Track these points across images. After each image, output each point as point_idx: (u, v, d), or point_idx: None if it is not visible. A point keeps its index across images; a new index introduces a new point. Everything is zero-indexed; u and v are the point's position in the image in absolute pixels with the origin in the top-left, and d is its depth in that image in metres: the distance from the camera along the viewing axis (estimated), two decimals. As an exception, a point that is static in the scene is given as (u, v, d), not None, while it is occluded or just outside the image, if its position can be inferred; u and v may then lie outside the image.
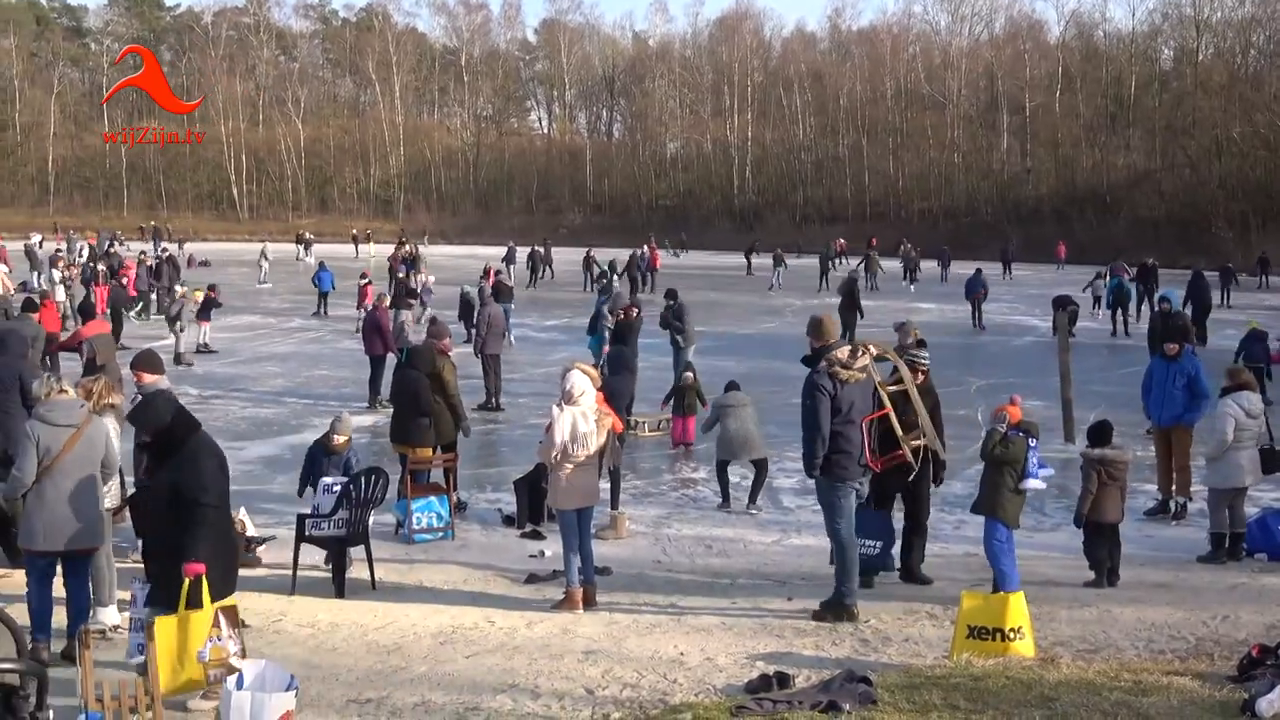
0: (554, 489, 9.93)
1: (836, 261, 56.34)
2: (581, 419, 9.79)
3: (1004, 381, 23.68)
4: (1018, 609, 8.47)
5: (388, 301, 23.41)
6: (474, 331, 22.20)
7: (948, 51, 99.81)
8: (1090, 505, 10.75)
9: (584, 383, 9.95)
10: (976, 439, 17.47)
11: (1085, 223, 78.38)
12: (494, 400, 20.25)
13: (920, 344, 11.40)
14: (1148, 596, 10.22)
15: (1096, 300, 38.21)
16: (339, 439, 11.25)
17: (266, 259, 50.81)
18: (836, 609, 9.47)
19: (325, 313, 35.81)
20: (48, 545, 8.40)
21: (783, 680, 7.80)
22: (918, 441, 10.24)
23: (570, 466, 9.78)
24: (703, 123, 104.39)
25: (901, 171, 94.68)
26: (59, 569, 8.56)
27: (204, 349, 26.89)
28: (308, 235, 74.28)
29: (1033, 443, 9.89)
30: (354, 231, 73.92)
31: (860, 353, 9.61)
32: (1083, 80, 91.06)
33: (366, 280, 31.41)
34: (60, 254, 42.72)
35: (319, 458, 11.54)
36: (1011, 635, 8.36)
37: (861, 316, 30.20)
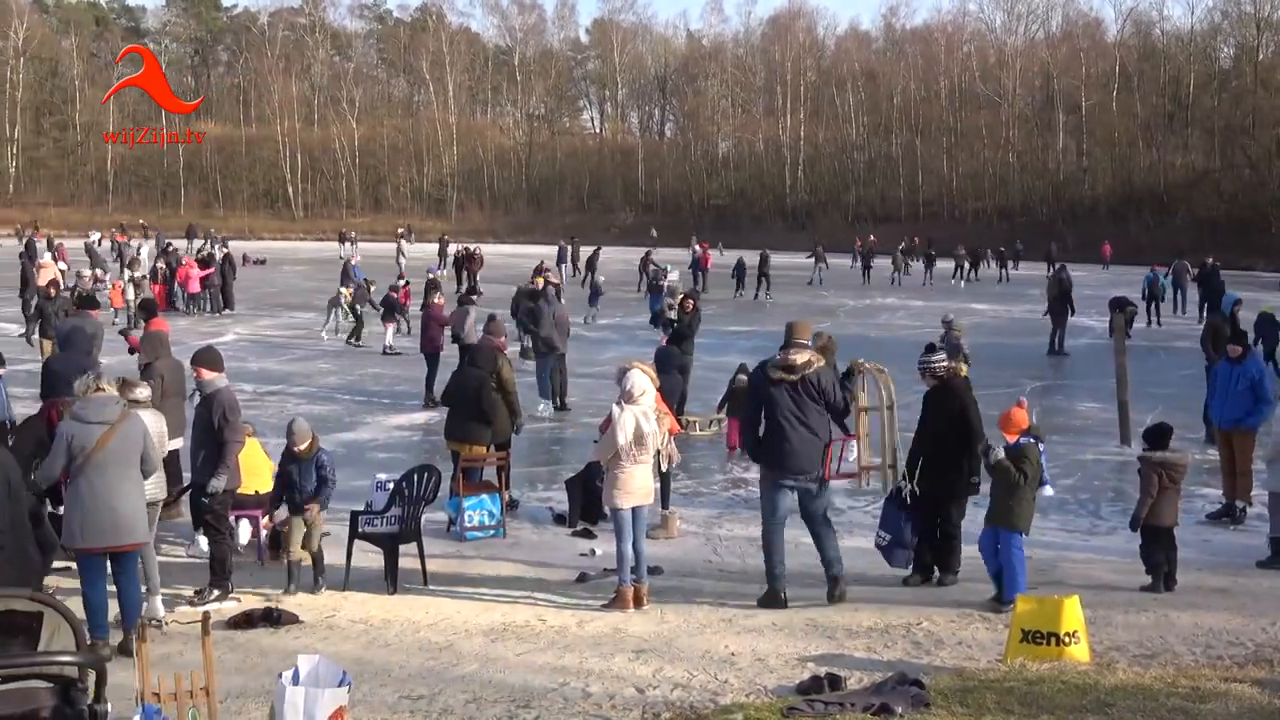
0: (609, 487, 9.94)
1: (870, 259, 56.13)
2: (644, 419, 9.80)
3: (1058, 383, 23.50)
4: (1073, 613, 8.38)
5: (443, 300, 23.54)
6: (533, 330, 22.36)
7: (1003, 50, 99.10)
8: (1148, 509, 10.61)
9: (645, 382, 9.96)
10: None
11: (1142, 223, 77.61)
12: (559, 399, 20.26)
13: (930, 349, 11.32)
14: (1206, 602, 10.08)
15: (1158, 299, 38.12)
16: (300, 446, 10.85)
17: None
18: (767, 598, 9.92)
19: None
20: (87, 542, 8.49)
21: (834, 682, 7.77)
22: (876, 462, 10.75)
23: (627, 465, 9.79)
24: (755, 122, 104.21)
25: (955, 171, 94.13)
26: (109, 566, 8.67)
27: (389, 351, 26.91)
28: (353, 234, 74.88)
29: (1042, 447, 9.81)
30: (400, 230, 74.43)
31: (799, 357, 9.94)
32: (1140, 79, 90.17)
33: (405, 283, 31.50)
34: (132, 253, 43.25)
35: (287, 466, 11.18)
36: (1067, 639, 8.28)
37: (1073, 313, 30.35)
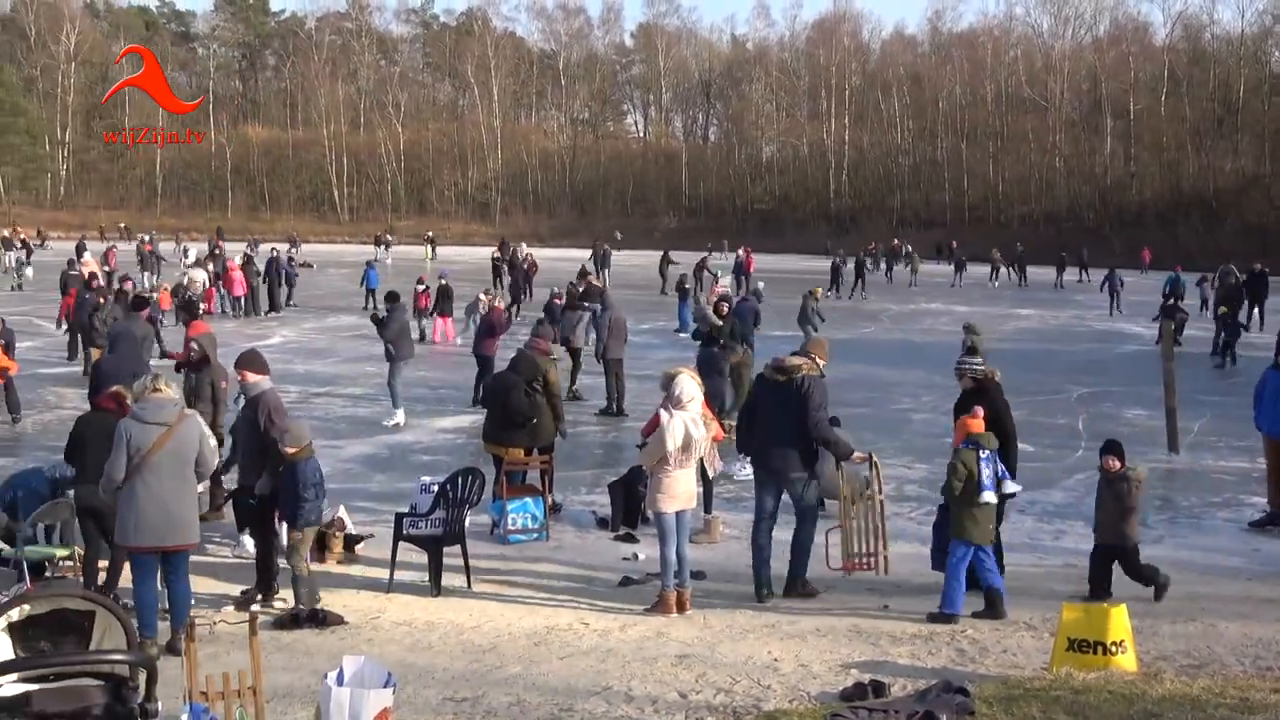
0: (654, 492, 9.94)
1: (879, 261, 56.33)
2: (692, 425, 9.81)
3: (1105, 390, 23.30)
4: (1120, 622, 8.31)
5: (501, 304, 23.77)
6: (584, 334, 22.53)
7: (1050, 54, 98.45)
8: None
9: (693, 388, 9.99)
10: (1076, 448, 17.34)
11: (1190, 228, 76.86)
12: (616, 405, 20.16)
13: (971, 350, 11.24)
14: (1255, 611, 9.95)
15: (1204, 304, 37.82)
16: (290, 450, 10.56)
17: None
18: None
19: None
20: (139, 541, 8.59)
21: (878, 689, 7.73)
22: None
23: (672, 470, 9.80)
24: (799, 126, 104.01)
25: (1001, 176, 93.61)
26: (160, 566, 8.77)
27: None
28: (388, 236, 75.33)
29: (985, 454, 9.69)
30: (429, 234, 74.92)
31: (794, 361, 10.40)
32: (1189, 83, 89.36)
33: (424, 287, 31.49)
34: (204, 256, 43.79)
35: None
36: (1113, 648, 8.21)
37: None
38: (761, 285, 34.36)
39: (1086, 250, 61.37)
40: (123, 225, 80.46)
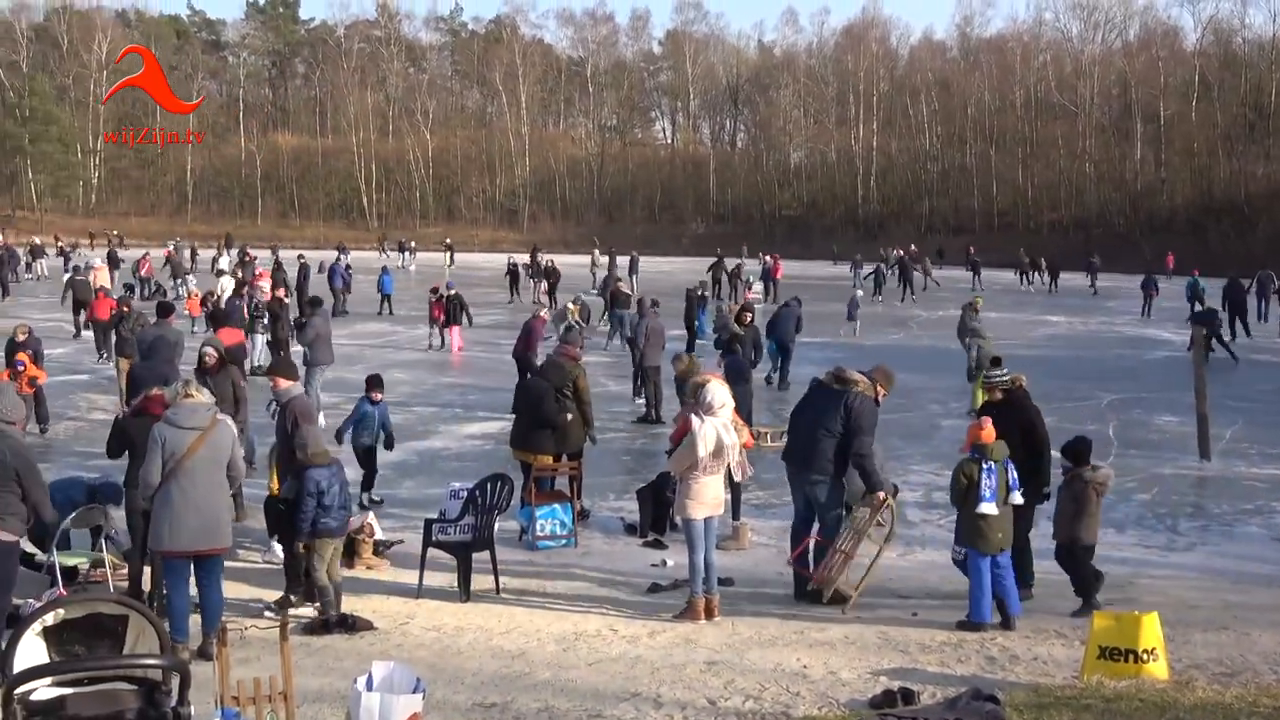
0: (682, 498, 9.94)
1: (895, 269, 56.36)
2: (724, 431, 9.82)
3: (1136, 396, 23.17)
4: (1151, 630, 8.26)
5: (545, 312, 23.94)
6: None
7: (1079, 59, 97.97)
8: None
9: (724, 395, 10.02)
10: (1108, 454, 17.22)
11: (1221, 234, 76.26)
12: (654, 412, 20.11)
13: (995, 362, 11.23)
14: (1288, 620, 9.89)
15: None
16: (302, 457, 10.60)
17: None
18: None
19: (390, 312, 38.61)
20: (174, 545, 8.64)
21: (908, 696, 7.72)
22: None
23: (702, 476, 9.81)
24: (827, 132, 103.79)
25: (1031, 181, 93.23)
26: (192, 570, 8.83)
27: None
28: (412, 243, 75.59)
29: (988, 465, 9.64)
30: (447, 241, 75.21)
31: (854, 375, 10.59)
32: (1220, 88, 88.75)
33: (437, 297, 31.31)
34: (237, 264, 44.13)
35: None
36: (1145, 657, 8.17)
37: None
38: (759, 287, 34.53)
39: (1098, 257, 61.03)
40: (115, 233, 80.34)
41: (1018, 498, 9.84)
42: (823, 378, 10.76)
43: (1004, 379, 11.02)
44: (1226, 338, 29.77)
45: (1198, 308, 32.00)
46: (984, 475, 9.60)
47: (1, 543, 8.21)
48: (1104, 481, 10.47)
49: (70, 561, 10.45)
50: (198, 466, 8.66)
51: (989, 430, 9.91)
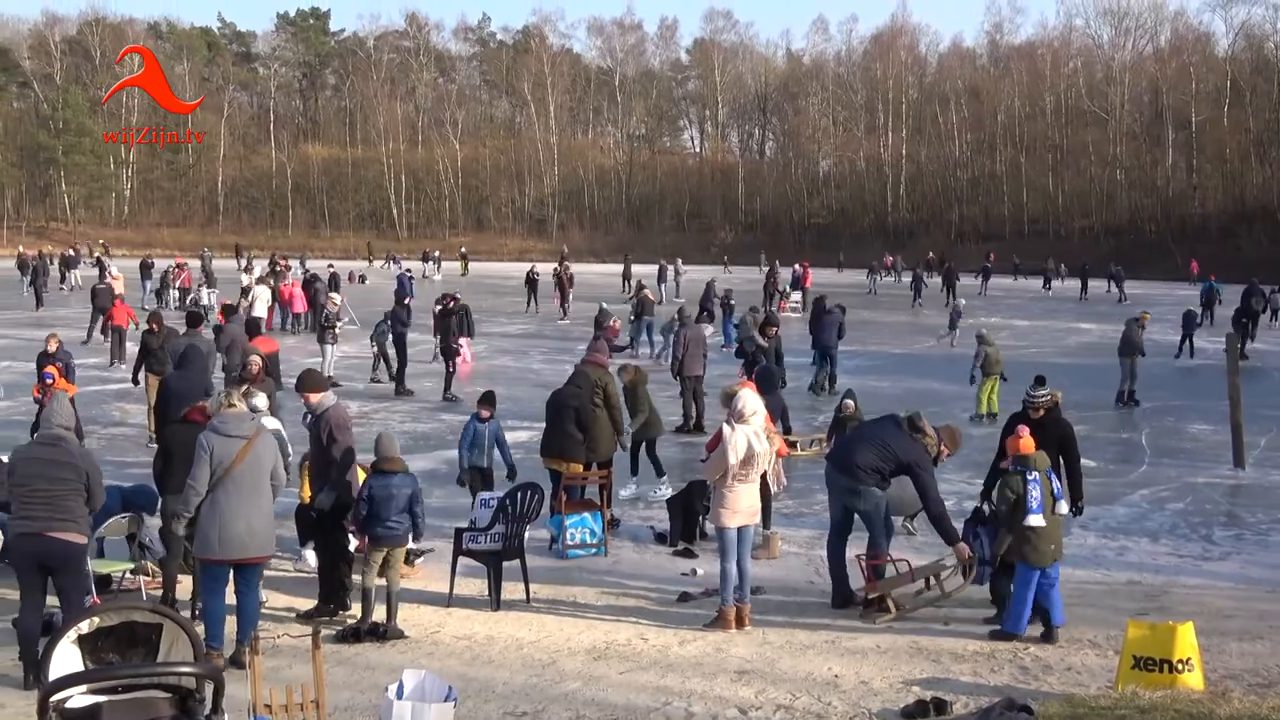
0: (716, 507, 9.94)
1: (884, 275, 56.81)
2: (755, 439, 9.81)
3: (1170, 404, 23.01)
4: (1186, 639, 8.20)
5: (616, 321, 24.00)
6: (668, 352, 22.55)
7: (1110, 66, 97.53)
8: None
9: (755, 402, 10.02)
10: (1141, 463, 17.12)
11: (1254, 240, 75.75)
12: (693, 423, 19.89)
13: (1038, 381, 11.19)
14: (1325, 630, 9.80)
15: (1275, 313, 38.03)
16: (387, 462, 10.61)
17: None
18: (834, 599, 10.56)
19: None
20: (223, 554, 8.69)
21: (940, 706, 7.68)
22: None
23: (735, 485, 9.80)
24: (856, 140, 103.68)
25: (1061, 189, 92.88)
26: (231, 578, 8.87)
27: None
28: (436, 253, 75.90)
29: (1032, 476, 9.55)
30: (461, 250, 75.42)
31: (922, 425, 10.72)
32: (1252, 93, 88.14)
33: (441, 308, 31.06)
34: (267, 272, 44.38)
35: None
36: (1180, 667, 8.10)
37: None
38: (797, 297, 34.41)
39: (1119, 265, 60.87)
40: (102, 242, 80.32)
41: (1064, 507, 9.74)
42: (900, 418, 10.72)
43: (1046, 398, 10.99)
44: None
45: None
46: (1029, 487, 9.50)
47: (74, 545, 8.36)
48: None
49: (105, 570, 10.52)
50: (243, 475, 8.71)
51: (1027, 440, 9.87)
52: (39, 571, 8.33)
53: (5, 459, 10.17)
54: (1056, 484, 9.73)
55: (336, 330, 25.30)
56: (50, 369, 15.73)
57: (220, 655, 8.34)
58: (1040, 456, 9.74)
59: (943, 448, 10.71)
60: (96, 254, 65.97)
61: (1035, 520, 9.43)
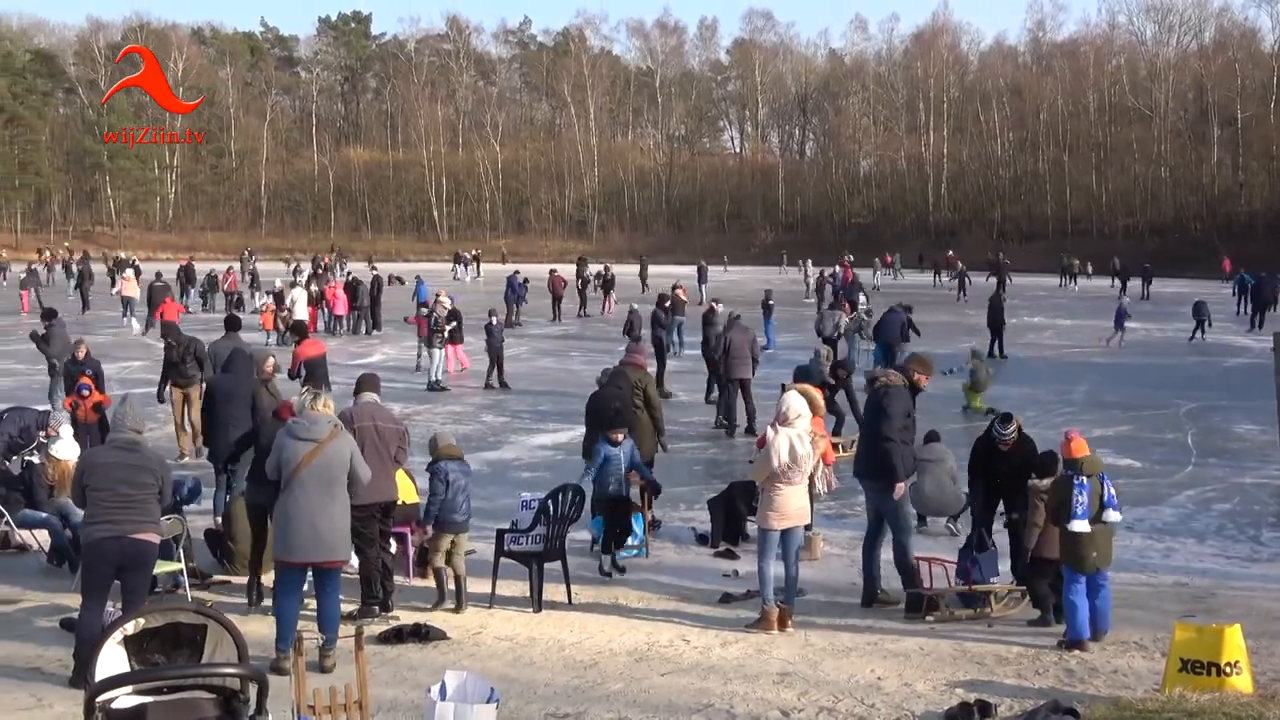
0: (763, 509, 9.92)
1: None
2: (798, 441, 9.78)
3: (1215, 404, 22.77)
4: (1234, 642, 8.10)
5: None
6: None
7: (1154, 63, 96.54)
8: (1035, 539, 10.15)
9: (801, 405, 9.99)
10: (1187, 463, 16.95)
11: (1302, 237, 74.90)
12: (746, 426, 19.51)
13: (1005, 418, 10.97)
14: (1377, 633, 9.66)
15: None
16: (443, 445, 11.08)
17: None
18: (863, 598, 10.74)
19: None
20: (290, 556, 8.75)
21: (984, 709, 7.63)
22: None
23: (782, 487, 9.78)
24: (897, 139, 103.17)
25: (1105, 187, 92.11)
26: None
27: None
28: (468, 255, 76.08)
29: (1080, 480, 9.39)
30: (475, 251, 75.70)
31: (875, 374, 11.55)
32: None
33: (427, 311, 30.78)
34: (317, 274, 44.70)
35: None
36: (1228, 670, 8.01)
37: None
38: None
39: (1150, 264, 60.46)
40: (85, 249, 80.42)
41: (1113, 515, 9.54)
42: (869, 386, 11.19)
43: (1013, 434, 10.82)
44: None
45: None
46: (1076, 492, 9.36)
47: (149, 545, 8.49)
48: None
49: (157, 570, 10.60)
50: (310, 479, 8.73)
51: (1079, 442, 9.73)
52: (114, 573, 8.45)
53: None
54: (1109, 491, 9.53)
55: (445, 333, 25.15)
56: (85, 380, 15.49)
57: (286, 657, 8.33)
58: (1091, 461, 9.59)
59: (917, 377, 10.84)
60: (112, 260, 66.22)
61: (1079, 526, 9.30)
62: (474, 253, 76.47)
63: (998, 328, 30.56)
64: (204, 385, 15.96)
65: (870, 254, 67.86)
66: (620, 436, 12.15)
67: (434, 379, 24.46)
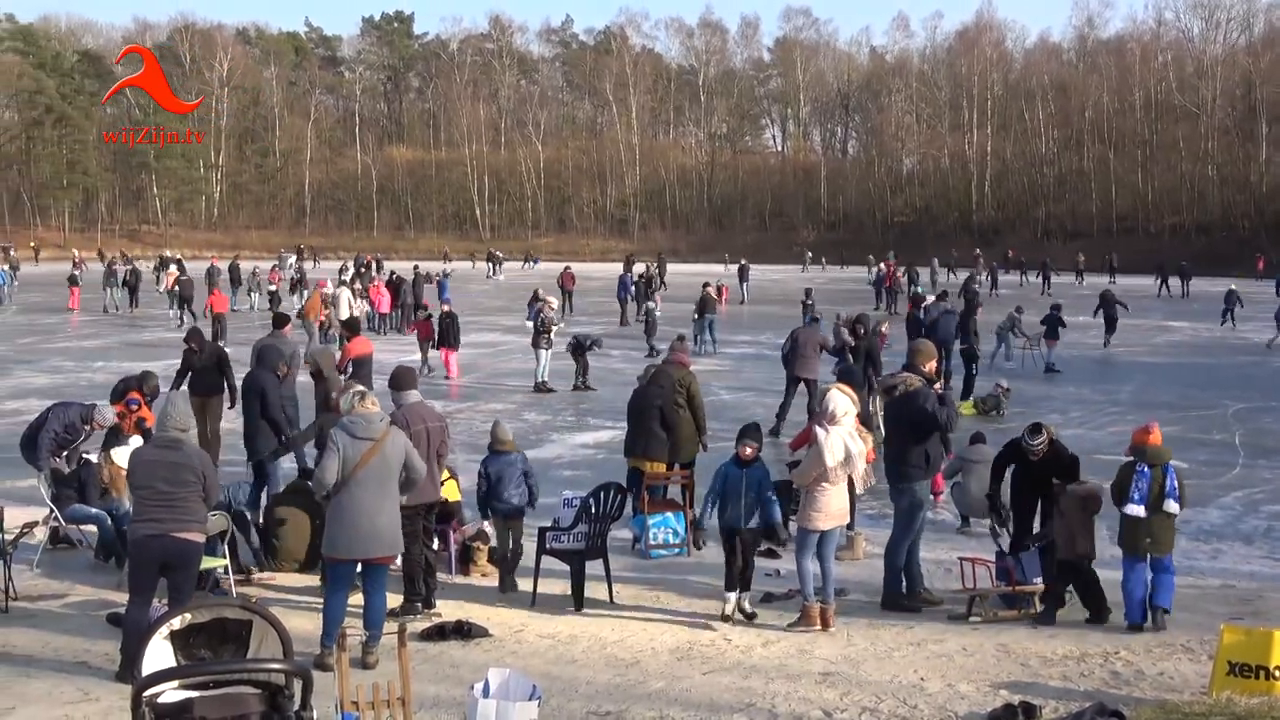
0: (807, 509, 9.89)
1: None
2: (850, 439, 9.78)
3: (1263, 405, 22.51)
4: (1284, 645, 8.02)
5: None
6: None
7: (1201, 59, 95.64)
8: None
9: (846, 403, 9.97)
10: (1234, 464, 16.78)
11: (1351, 236, 74.01)
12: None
13: (1035, 429, 10.77)
14: None
15: None
16: (501, 444, 11.40)
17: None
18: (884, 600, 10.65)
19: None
20: (345, 554, 8.79)
21: (1029, 711, 7.57)
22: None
23: (827, 487, 9.75)
24: (940, 138, 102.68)
25: (1151, 185, 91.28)
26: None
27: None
28: (499, 254, 76.31)
29: (1142, 468, 9.68)
30: (491, 249, 76.03)
31: (895, 380, 11.11)
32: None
33: (427, 314, 30.46)
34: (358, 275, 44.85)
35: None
36: (1277, 673, 7.92)
37: None
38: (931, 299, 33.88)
39: (1186, 262, 59.89)
40: (120, 252, 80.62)
41: (1173, 506, 9.70)
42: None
43: (1042, 444, 10.69)
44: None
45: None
46: (1135, 477, 9.68)
47: (192, 543, 8.53)
48: (1091, 495, 10.32)
49: (203, 566, 10.69)
50: (369, 476, 8.77)
51: (1155, 434, 10.05)
52: (158, 570, 8.52)
53: None
54: (1172, 482, 9.72)
55: (551, 335, 25.11)
56: (135, 395, 15.30)
57: (330, 653, 8.35)
58: (1156, 451, 9.88)
59: (922, 367, 10.95)
60: (131, 262, 66.61)
61: (1133, 510, 9.63)
62: (498, 254, 76.69)
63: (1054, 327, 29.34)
64: (228, 392, 16.11)
65: (913, 254, 67.64)
66: (750, 451, 10.16)
67: (540, 379, 24.25)
